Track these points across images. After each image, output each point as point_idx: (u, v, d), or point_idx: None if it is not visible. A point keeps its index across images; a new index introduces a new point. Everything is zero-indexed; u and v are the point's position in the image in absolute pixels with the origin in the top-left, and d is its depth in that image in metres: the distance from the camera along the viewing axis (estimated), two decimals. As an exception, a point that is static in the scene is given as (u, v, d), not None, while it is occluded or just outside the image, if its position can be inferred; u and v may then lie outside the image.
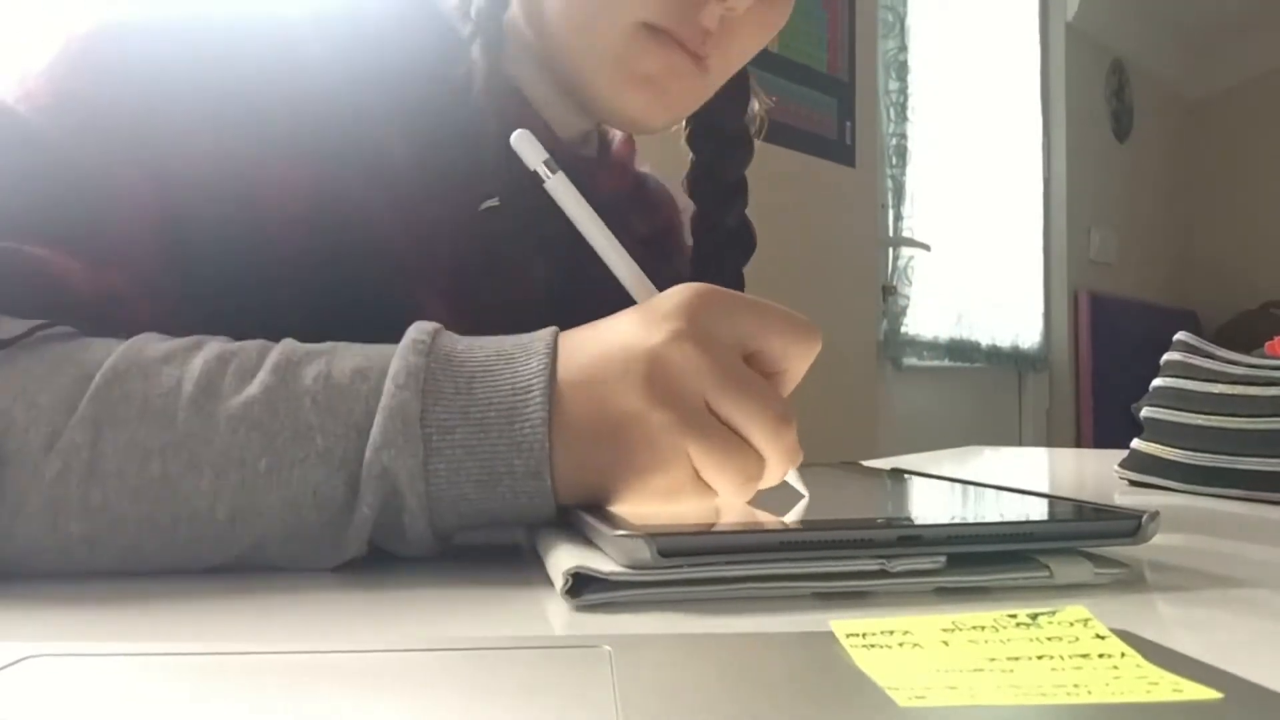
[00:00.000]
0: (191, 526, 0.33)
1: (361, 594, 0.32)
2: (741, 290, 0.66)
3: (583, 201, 0.41)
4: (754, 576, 0.31)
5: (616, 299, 0.41)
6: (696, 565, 0.30)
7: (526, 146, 0.40)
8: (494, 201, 0.49)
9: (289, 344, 0.37)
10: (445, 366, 0.35)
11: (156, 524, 0.33)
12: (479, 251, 0.50)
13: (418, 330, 0.37)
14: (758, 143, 0.66)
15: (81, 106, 0.42)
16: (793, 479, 0.40)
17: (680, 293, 0.37)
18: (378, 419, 0.34)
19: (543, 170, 0.40)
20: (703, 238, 0.65)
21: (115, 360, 0.34)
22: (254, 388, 0.34)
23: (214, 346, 0.36)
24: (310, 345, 0.37)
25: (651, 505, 0.36)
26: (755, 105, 0.66)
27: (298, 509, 0.34)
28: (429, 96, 0.50)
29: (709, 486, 0.36)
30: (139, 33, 0.44)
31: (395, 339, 0.37)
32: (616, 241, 0.41)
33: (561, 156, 0.57)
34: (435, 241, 0.49)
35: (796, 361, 0.38)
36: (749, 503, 0.37)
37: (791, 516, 0.36)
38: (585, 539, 0.34)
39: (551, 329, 0.38)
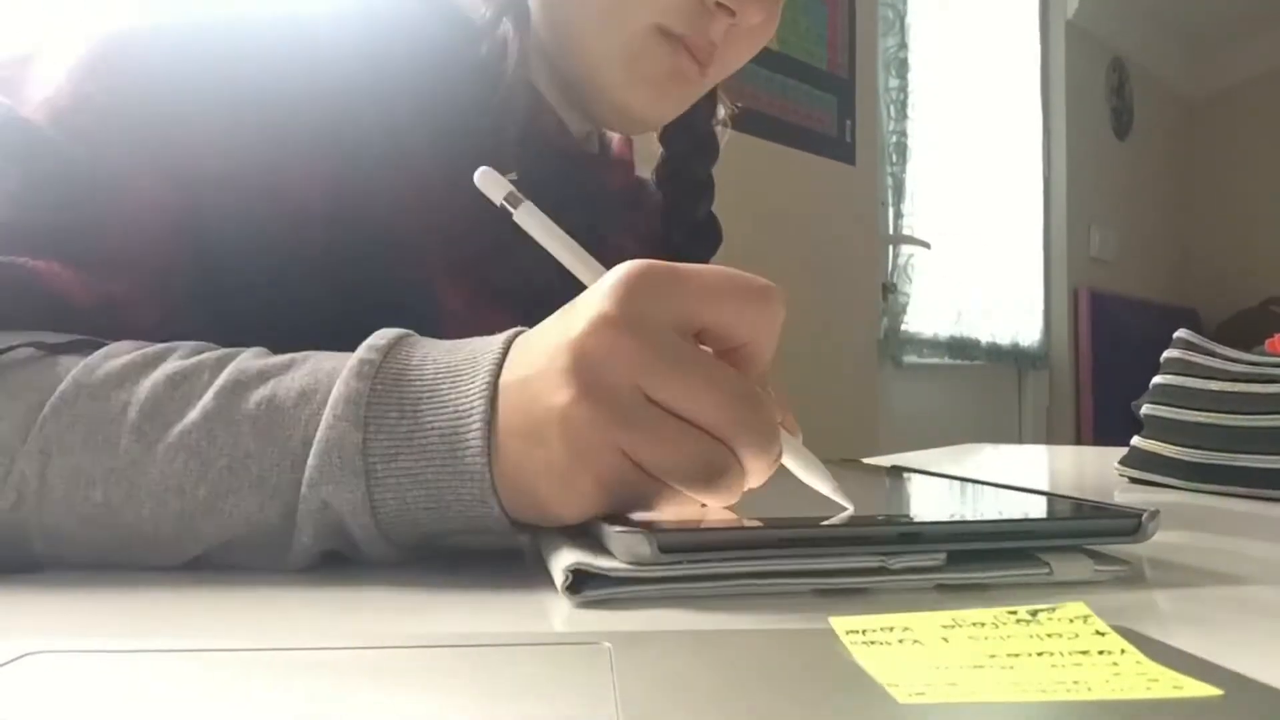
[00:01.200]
0: (141, 548, 0.34)
1: (362, 590, 0.32)
2: None
3: (551, 224, 0.38)
4: (754, 573, 0.31)
5: None
6: (697, 561, 0.30)
7: (490, 184, 0.38)
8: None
9: (246, 361, 0.35)
10: (392, 388, 0.33)
11: (106, 546, 0.34)
12: (493, 238, 0.50)
13: (369, 347, 0.34)
14: (757, 140, 0.69)
15: (98, 110, 0.42)
16: (816, 480, 0.35)
17: (610, 276, 0.32)
18: (314, 451, 0.32)
19: (508, 206, 0.38)
20: (671, 231, 0.67)
21: (66, 385, 0.34)
22: (195, 412, 0.33)
23: (170, 365, 0.35)
24: (271, 360, 0.36)
25: (612, 514, 0.32)
26: (721, 110, 0.69)
27: (234, 537, 0.34)
28: (448, 81, 0.51)
29: (674, 489, 0.31)
30: (156, 36, 0.45)
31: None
32: (583, 250, 0.38)
33: (571, 153, 0.59)
34: (453, 228, 0.50)
35: (760, 330, 0.33)
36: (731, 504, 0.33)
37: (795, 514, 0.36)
38: (586, 534, 0.34)
39: (514, 330, 0.35)
